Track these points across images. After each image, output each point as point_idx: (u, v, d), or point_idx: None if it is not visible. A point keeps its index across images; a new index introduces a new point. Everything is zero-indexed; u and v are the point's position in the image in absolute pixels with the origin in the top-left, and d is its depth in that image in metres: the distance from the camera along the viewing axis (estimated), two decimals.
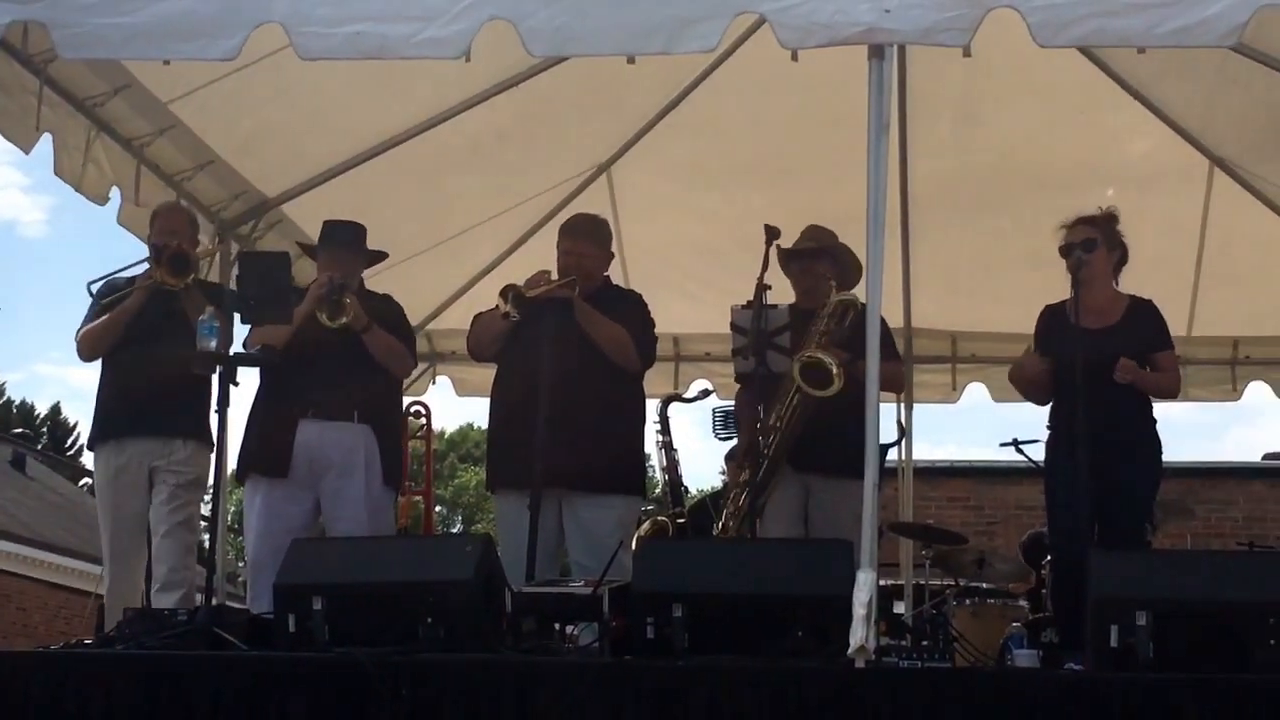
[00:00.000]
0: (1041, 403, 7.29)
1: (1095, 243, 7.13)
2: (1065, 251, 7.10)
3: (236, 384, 6.49)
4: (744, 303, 7.17)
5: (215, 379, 6.57)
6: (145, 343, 7.55)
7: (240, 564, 24.05)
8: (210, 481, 7.79)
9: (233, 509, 20.54)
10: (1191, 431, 56.20)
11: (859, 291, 7.10)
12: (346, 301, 7.41)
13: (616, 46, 5.96)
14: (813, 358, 7.15)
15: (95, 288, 7.74)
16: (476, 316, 7.82)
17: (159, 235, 7.68)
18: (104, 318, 7.64)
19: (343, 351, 7.50)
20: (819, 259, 7.64)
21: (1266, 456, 19.08)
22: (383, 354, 7.60)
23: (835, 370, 7.08)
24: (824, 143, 9.00)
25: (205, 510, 8.42)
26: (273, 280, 6.64)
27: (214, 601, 6.50)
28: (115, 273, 7.81)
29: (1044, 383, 7.20)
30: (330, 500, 7.56)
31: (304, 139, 8.63)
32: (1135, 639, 5.30)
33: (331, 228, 7.79)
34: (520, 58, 6.89)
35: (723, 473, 12.33)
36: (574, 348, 7.19)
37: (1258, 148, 9.38)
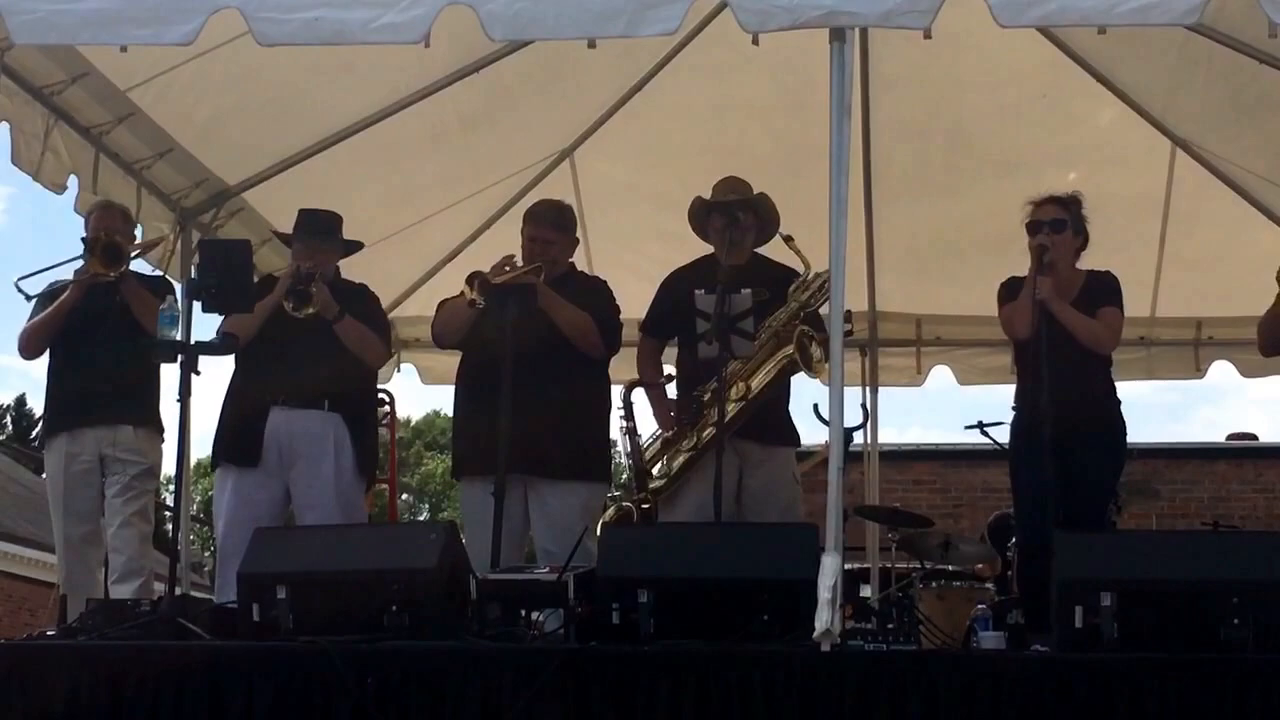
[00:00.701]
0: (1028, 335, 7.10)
1: (1064, 224, 7.11)
2: (1033, 229, 7.07)
3: (198, 373, 6.46)
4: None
5: (177, 368, 6.54)
6: (88, 335, 7.61)
7: (206, 554, 24.06)
8: (165, 470, 7.79)
9: (198, 499, 20.48)
10: (1155, 412, 56.50)
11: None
12: (313, 291, 7.39)
13: (577, 30, 5.93)
14: (810, 335, 7.14)
15: (25, 284, 7.75)
16: (441, 303, 7.79)
17: (92, 231, 7.70)
18: (42, 314, 7.70)
19: (313, 339, 7.48)
20: (741, 211, 7.59)
21: (1231, 437, 19.20)
22: (355, 343, 7.58)
23: (818, 359, 7.09)
24: (786, 127, 9.00)
25: (170, 500, 8.41)
26: (233, 268, 6.61)
27: (177, 591, 6.45)
28: (46, 269, 7.89)
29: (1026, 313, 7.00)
30: (300, 488, 7.54)
31: (265, 126, 8.58)
32: (1100, 620, 5.32)
33: (307, 216, 7.77)
34: (481, 43, 6.86)
35: None
36: (539, 334, 7.17)
37: (1219, 128, 9.40)
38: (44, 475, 7.86)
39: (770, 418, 7.38)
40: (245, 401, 7.55)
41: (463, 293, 7.25)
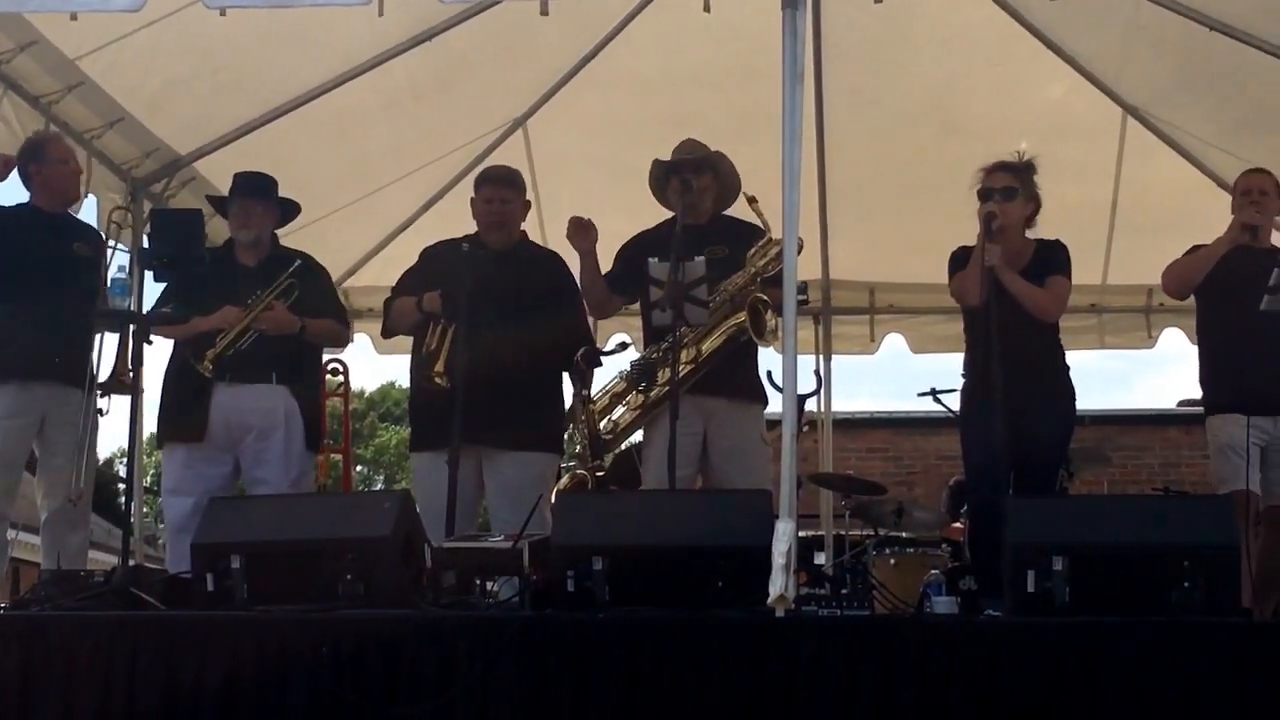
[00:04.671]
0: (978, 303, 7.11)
1: (1015, 191, 7.12)
2: (983, 196, 7.08)
3: (150, 342, 6.44)
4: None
5: (128, 338, 6.51)
6: (39, 283, 7.41)
7: (160, 525, 23.97)
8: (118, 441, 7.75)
9: (151, 471, 20.39)
10: (1104, 379, 56.64)
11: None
12: (265, 329, 7.41)
13: None
14: (765, 301, 7.14)
15: None
16: (387, 302, 7.82)
17: None
18: None
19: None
20: (699, 171, 7.57)
21: (1181, 403, 19.26)
22: (320, 341, 7.66)
23: (771, 328, 7.10)
24: (740, 94, 9.01)
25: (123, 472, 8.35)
26: (186, 238, 6.59)
27: (130, 562, 6.43)
28: None
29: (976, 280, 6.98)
30: (250, 462, 7.53)
31: (216, 95, 8.55)
32: (1052, 584, 5.35)
33: (242, 178, 7.72)
34: (433, 10, 6.87)
35: None
36: (494, 306, 7.16)
37: (1169, 96, 9.45)
38: None
39: (739, 375, 7.39)
40: (189, 377, 7.48)
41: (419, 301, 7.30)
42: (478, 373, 6.92)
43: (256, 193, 7.67)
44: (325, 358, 9.06)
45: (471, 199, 7.71)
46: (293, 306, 7.51)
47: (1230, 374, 7.55)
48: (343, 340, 8.07)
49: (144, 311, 6.52)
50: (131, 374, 6.60)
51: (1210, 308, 7.75)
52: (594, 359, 7.63)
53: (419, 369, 7.48)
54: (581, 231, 7.59)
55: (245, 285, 7.52)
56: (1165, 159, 9.89)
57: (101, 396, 7.10)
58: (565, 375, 7.60)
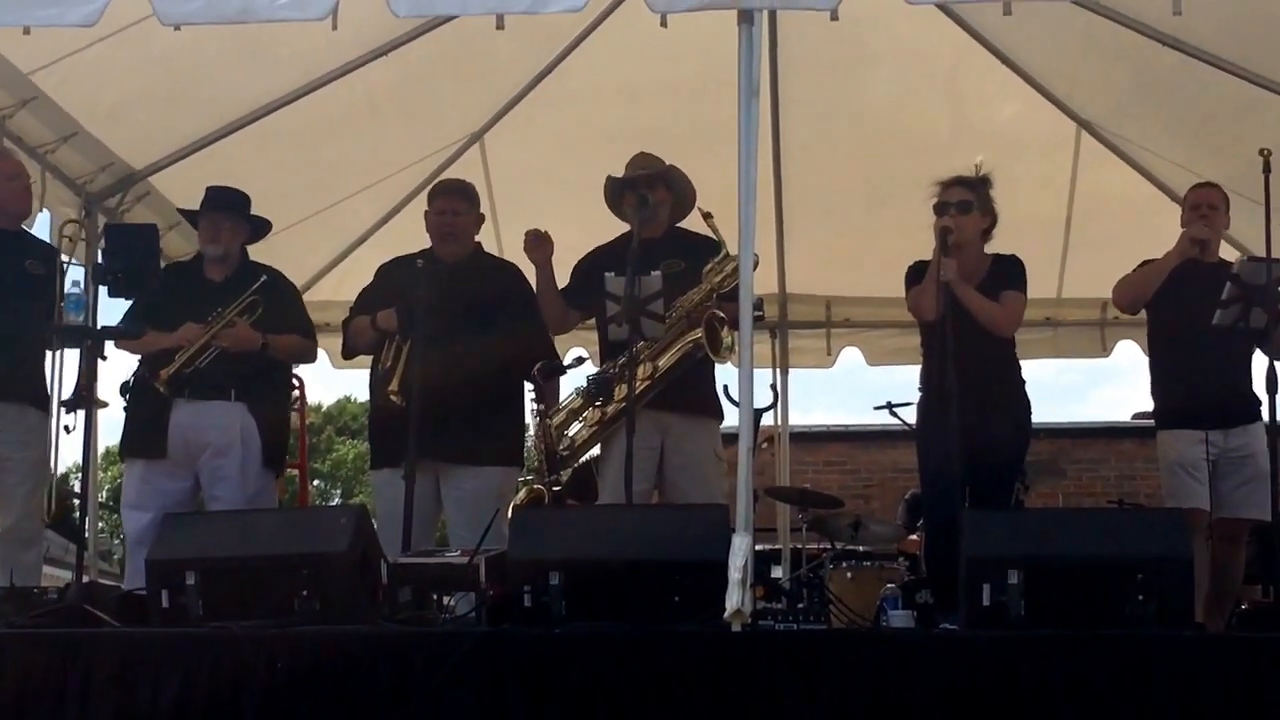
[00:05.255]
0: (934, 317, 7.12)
1: (971, 205, 7.16)
2: (939, 210, 7.12)
3: (105, 358, 6.41)
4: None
5: (83, 353, 6.47)
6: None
7: (116, 541, 23.84)
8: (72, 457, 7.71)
9: (106, 487, 20.28)
10: (1059, 392, 56.94)
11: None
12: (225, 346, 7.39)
13: (483, 6, 5.90)
14: (721, 318, 7.14)
15: None
16: (345, 322, 7.82)
17: None
18: None
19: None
20: (654, 185, 7.57)
21: (1136, 416, 19.34)
22: (285, 358, 7.66)
23: (727, 345, 7.10)
24: (696, 110, 9.01)
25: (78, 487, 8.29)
26: (140, 253, 6.57)
27: (85, 579, 6.40)
28: None
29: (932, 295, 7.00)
30: (208, 479, 7.50)
31: (172, 109, 8.51)
32: (1007, 597, 5.36)
33: (213, 192, 7.70)
34: (390, 24, 6.86)
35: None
36: (450, 319, 7.15)
37: (1122, 109, 9.51)
38: None
39: (695, 390, 7.37)
40: (151, 393, 7.46)
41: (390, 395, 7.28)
42: (434, 388, 6.91)
43: (225, 207, 7.66)
44: None
45: (425, 212, 7.72)
46: (257, 323, 7.49)
47: (1180, 387, 7.61)
48: (309, 356, 8.04)
49: (100, 327, 6.47)
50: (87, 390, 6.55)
51: (1160, 321, 7.80)
52: (552, 371, 7.63)
53: (376, 387, 7.47)
54: (538, 245, 7.59)
55: (211, 300, 7.51)
56: (1118, 172, 9.95)
57: (67, 413, 7.06)
58: (526, 386, 7.60)
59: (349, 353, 7.94)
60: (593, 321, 7.83)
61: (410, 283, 7.15)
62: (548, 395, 7.65)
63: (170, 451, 7.43)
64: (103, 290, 6.81)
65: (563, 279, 7.71)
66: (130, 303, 7.30)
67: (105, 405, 7.11)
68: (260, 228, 7.81)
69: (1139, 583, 5.35)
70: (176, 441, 7.43)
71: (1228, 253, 7.97)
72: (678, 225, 7.67)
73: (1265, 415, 6.71)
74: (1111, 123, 9.66)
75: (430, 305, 7.00)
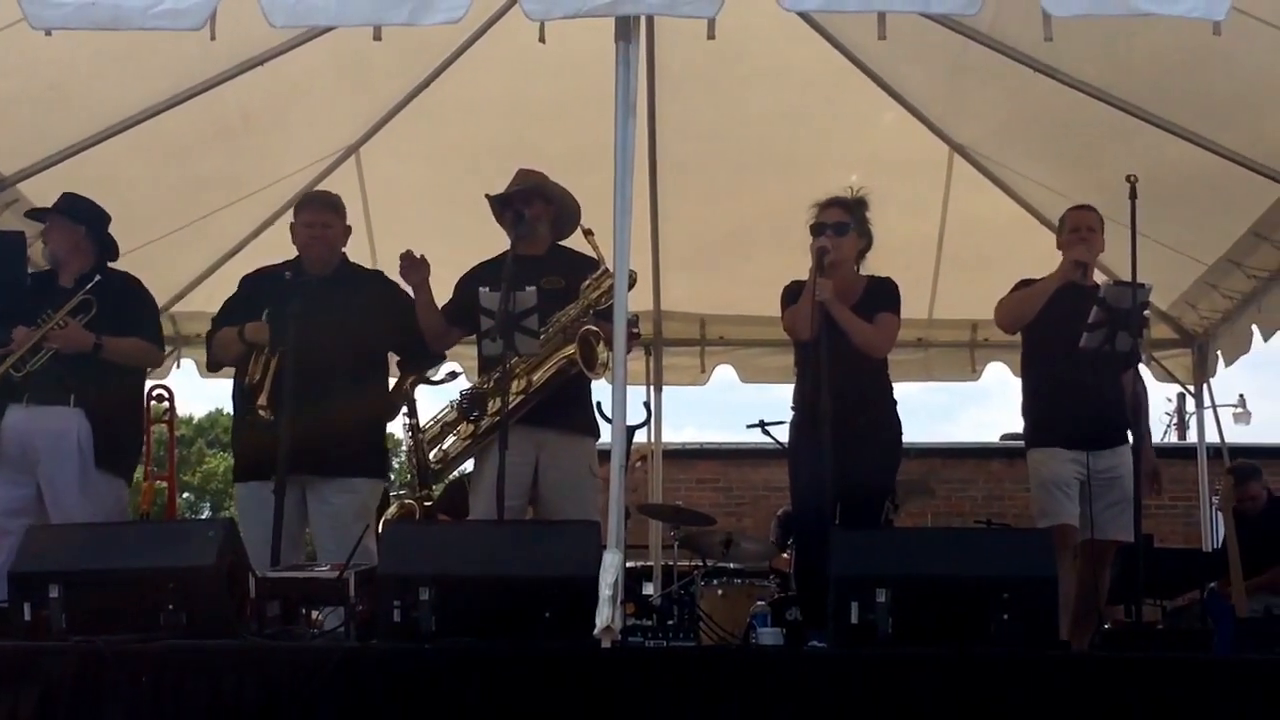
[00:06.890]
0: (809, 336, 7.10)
1: (847, 226, 7.20)
2: (816, 231, 7.15)
3: None
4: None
5: None
6: None
7: None
8: None
9: None
10: (929, 412, 57.61)
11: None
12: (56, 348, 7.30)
13: (360, 17, 5.86)
14: (596, 334, 7.12)
15: None
16: (209, 334, 7.74)
17: None
18: None
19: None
20: (530, 201, 7.55)
21: (1004, 437, 19.59)
22: (124, 360, 7.53)
23: (602, 360, 7.09)
24: (574, 126, 9.01)
25: None
26: (7, 262, 6.49)
27: None
28: None
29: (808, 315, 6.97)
30: (46, 486, 7.40)
31: (42, 115, 8.36)
32: (875, 615, 5.41)
33: (69, 197, 7.67)
34: (267, 34, 6.79)
35: None
36: (318, 331, 7.10)
37: (996, 135, 9.63)
38: None
39: (571, 408, 7.35)
40: None
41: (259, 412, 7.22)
42: (301, 401, 6.86)
43: (61, 211, 7.61)
44: (149, 384, 8.93)
45: (291, 224, 7.69)
46: (90, 324, 7.40)
47: (1052, 408, 7.70)
48: (151, 360, 7.91)
49: None
50: None
51: (1034, 343, 7.90)
52: (423, 384, 7.64)
53: (242, 401, 7.41)
54: (413, 267, 7.55)
55: (58, 306, 7.42)
56: (989, 195, 10.07)
57: None
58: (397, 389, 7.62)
59: (214, 365, 7.86)
60: (471, 337, 7.80)
61: (278, 295, 7.10)
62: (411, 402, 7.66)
63: (7, 456, 7.34)
64: None
65: (439, 293, 7.67)
66: None
67: None
68: (108, 251, 7.75)
69: (1005, 601, 5.41)
70: (13, 446, 7.35)
71: (1096, 276, 8.07)
72: (560, 243, 7.66)
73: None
74: (984, 146, 9.78)
75: (299, 318, 6.95)
